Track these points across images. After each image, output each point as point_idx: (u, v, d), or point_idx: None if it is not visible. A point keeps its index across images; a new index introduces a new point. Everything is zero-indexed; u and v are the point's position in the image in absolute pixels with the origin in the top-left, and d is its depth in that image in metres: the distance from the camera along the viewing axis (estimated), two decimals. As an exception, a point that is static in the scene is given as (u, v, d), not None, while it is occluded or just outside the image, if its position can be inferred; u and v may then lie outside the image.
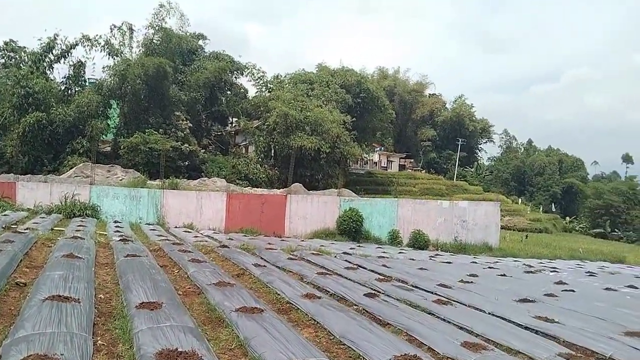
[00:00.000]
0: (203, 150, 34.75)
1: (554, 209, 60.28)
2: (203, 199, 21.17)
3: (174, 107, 34.18)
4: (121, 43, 35.33)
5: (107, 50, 34.42)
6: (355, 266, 10.86)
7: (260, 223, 20.88)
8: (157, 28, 36.19)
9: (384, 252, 16.55)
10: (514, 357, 5.32)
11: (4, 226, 12.84)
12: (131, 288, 6.62)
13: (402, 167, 67.59)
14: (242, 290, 7.10)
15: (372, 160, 62.10)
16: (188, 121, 34.36)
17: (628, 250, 32.00)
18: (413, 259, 14.59)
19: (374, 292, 7.94)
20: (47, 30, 48.63)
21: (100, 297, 6.44)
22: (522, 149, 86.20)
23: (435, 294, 8.46)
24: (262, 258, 10.86)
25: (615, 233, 52.28)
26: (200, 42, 42.43)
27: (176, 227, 19.64)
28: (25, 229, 12.30)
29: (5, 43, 35.77)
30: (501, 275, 12.06)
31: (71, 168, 26.82)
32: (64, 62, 34.55)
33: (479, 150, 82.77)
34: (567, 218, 58.69)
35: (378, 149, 62.76)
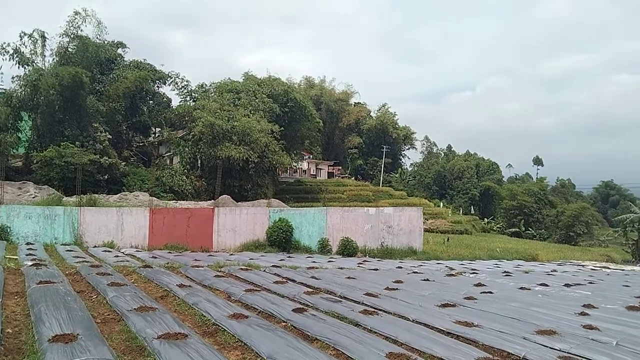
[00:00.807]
0: (124, 163, 33.29)
1: (472, 211, 63.46)
2: (124, 215, 20.24)
3: (92, 118, 32.52)
4: (32, 52, 33.19)
5: (17, 59, 32.21)
6: (284, 280, 10.83)
7: (187, 238, 20.29)
8: (72, 36, 34.31)
9: (313, 261, 16.65)
10: (436, 364, 5.52)
11: None
12: (43, 319, 6.20)
13: (330, 175, 68.50)
14: (166, 314, 6.86)
15: (301, 168, 62.42)
16: (107, 133, 32.83)
17: (540, 247, 34.29)
18: (342, 268, 14.78)
19: (302, 306, 7.96)
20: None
21: (8, 332, 5.96)
22: (443, 154, 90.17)
23: (363, 303, 8.63)
24: (187, 277, 10.56)
25: (529, 232, 55.91)
26: (120, 50, 40.79)
27: (95, 246, 18.63)
28: None
29: None
30: (425, 280, 12.51)
31: (-25, 186, 24.71)
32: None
33: (403, 157, 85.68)
34: (485, 219, 61.99)
35: (307, 157, 63.21)
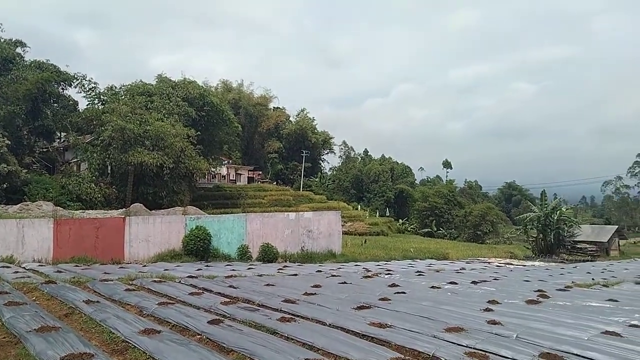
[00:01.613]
0: (25, 171, 30.92)
1: (388, 213, 65.74)
2: (25, 227, 18.75)
3: (-14, 122, 29.93)
4: None
5: None
6: (200, 290, 10.55)
7: (96, 250, 19.18)
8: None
9: (232, 270, 16.36)
10: (351, 368, 5.63)
11: None
12: None
13: (251, 180, 67.91)
14: (70, 333, 6.43)
15: (220, 174, 61.31)
16: (6, 138, 30.30)
17: (451, 246, 36.20)
18: (261, 275, 14.66)
19: (218, 317, 7.80)
20: None
21: None
22: (360, 158, 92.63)
23: (281, 310, 8.62)
24: (95, 292, 9.97)
25: (440, 231, 58.83)
26: (19, 49, 37.90)
27: (-9, 262, 17.06)
28: None
29: None
30: (342, 283, 12.74)
31: None
32: None
33: (322, 161, 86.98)
34: (401, 220, 64.45)
35: (226, 162, 62.22)
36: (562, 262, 33.91)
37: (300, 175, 71.52)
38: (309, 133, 77.44)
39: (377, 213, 62.43)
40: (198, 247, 20.50)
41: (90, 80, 38.19)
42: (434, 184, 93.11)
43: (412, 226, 62.65)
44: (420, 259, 25.38)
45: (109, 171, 34.68)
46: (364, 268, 18.34)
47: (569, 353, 6.36)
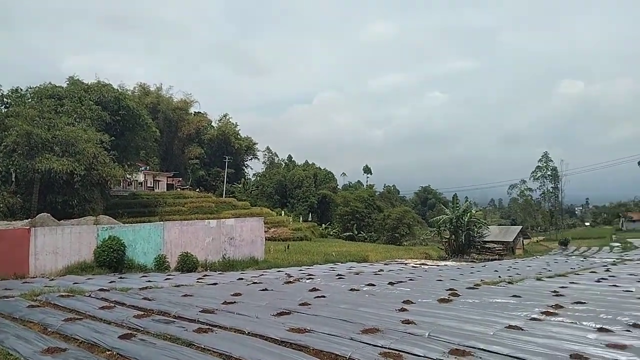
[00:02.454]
0: None
1: (311, 218, 66.36)
2: None
3: None
4: None
5: None
6: (112, 304, 10.05)
7: (-4, 264, 17.67)
8: None
9: (148, 281, 15.74)
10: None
11: None
12: None
13: (170, 187, 65.74)
14: (-40, 358, 5.88)
15: (137, 180, 58.77)
16: None
17: (370, 249, 37.17)
18: (179, 285, 14.23)
19: (131, 331, 7.47)
20: None
21: None
22: (284, 164, 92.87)
23: (198, 321, 8.42)
24: (-7, 310, 9.18)
25: (361, 235, 60.27)
26: None
27: None
28: None
29: None
30: (263, 290, 12.67)
31: None
32: None
33: (246, 167, 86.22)
34: (324, 225, 65.30)
35: (143, 168, 59.77)
36: (472, 261, 35.97)
37: (223, 181, 70.32)
38: (232, 139, 76.45)
39: (301, 218, 62.79)
40: (111, 259, 19.53)
41: (-10, 81, 35.24)
42: (355, 189, 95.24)
43: (334, 230, 63.65)
44: (342, 263, 25.85)
45: (13, 179, 32.10)
46: (286, 274, 18.36)
47: (476, 348, 6.75)
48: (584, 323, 8.58)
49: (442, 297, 11.58)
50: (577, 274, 19.82)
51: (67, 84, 40.99)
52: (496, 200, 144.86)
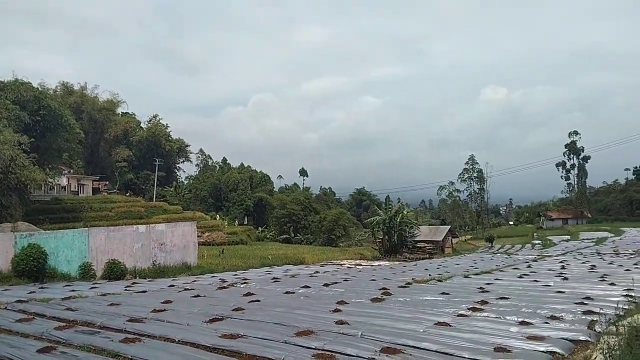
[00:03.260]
0: None
1: (247, 222, 65.62)
2: None
3: None
4: None
5: None
6: (31, 316, 9.41)
7: None
8: None
9: (72, 290, 14.88)
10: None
11: None
12: None
13: (96, 191, 62.62)
14: None
15: (59, 184, 55.50)
16: None
17: (307, 251, 37.27)
18: (105, 294, 13.57)
19: (51, 344, 7.02)
20: None
21: None
22: (218, 167, 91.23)
23: (125, 331, 8.06)
24: None
25: (298, 237, 60.33)
26: None
27: None
28: None
29: None
30: (195, 296, 12.35)
31: None
32: None
33: (178, 170, 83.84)
34: (260, 228, 64.78)
35: (66, 171, 56.59)
36: (404, 260, 37.01)
37: (153, 184, 67.91)
38: (162, 140, 74.07)
39: (237, 222, 61.93)
40: (31, 268, 18.27)
41: None
42: (291, 192, 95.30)
43: (271, 233, 63.29)
44: (278, 266, 25.73)
45: None
46: (220, 279, 18.01)
47: (406, 345, 6.92)
48: (507, 317, 9.04)
49: (375, 296, 11.81)
50: (502, 271, 20.89)
51: (-20, 81, 38.09)
52: (427, 201, 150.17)
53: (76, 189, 59.34)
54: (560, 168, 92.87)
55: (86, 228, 22.48)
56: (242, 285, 15.15)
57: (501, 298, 11.44)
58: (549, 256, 35.03)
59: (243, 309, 9.95)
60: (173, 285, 15.87)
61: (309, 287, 14.07)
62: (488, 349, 6.67)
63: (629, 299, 10.67)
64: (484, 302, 10.69)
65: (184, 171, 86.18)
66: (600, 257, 31.38)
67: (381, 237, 45.25)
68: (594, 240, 54.73)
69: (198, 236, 28.70)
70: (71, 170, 58.82)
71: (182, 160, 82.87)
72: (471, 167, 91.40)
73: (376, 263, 31.18)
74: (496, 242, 61.69)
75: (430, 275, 18.58)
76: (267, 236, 61.55)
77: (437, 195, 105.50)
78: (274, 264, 26.67)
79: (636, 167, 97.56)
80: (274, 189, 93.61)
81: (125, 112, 77.13)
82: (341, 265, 27.36)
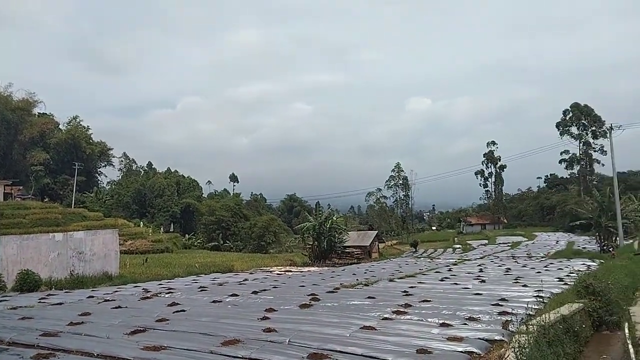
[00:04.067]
0: None
1: (173, 229, 63.58)
2: None
3: None
4: None
5: None
6: None
7: None
8: None
9: (-23, 304, 13.74)
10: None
11: None
12: None
13: (8, 196, 58.07)
14: None
15: (-36, 189, 51.07)
16: None
17: (236, 258, 36.72)
18: (16, 307, 12.64)
19: (-50, 365, 6.45)
20: None
21: None
22: (143, 171, 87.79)
23: (38, 346, 7.57)
24: None
25: (227, 244, 59.30)
26: None
27: None
28: None
29: None
30: (116, 307, 11.82)
31: None
32: None
33: (99, 174, 79.91)
34: (187, 235, 62.96)
35: (-28, 175, 52.25)
36: (333, 265, 37.50)
37: (72, 190, 64.12)
38: (82, 143, 70.30)
39: (162, 229, 59.82)
40: None
41: None
42: (221, 198, 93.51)
43: (199, 241, 61.73)
44: (205, 274, 25.17)
45: None
46: (143, 289, 17.34)
47: (333, 350, 7.04)
48: (429, 319, 9.43)
49: (303, 302, 11.88)
50: (425, 274, 21.74)
51: None
52: (356, 207, 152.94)
53: (-16, 195, 54.83)
54: (479, 176, 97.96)
55: (-5, 237, 20.82)
56: (166, 295, 14.68)
57: (424, 301, 11.90)
58: (469, 260, 36.86)
59: (167, 320, 9.66)
60: (93, 297, 15.08)
61: (237, 295, 13.89)
62: (411, 351, 6.92)
63: (539, 299, 11.47)
64: (407, 305, 11.08)
65: (105, 176, 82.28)
66: (514, 260, 33.46)
67: (311, 243, 45.52)
68: (509, 244, 58.19)
69: (120, 244, 27.50)
70: (-22, 174, 54.42)
71: (103, 165, 79.15)
72: (397, 174, 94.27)
73: (306, 269, 31.33)
74: (420, 246, 63.89)
75: (357, 280, 18.96)
76: (195, 244, 59.96)
77: (365, 202, 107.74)
78: (201, 272, 26.06)
79: (547, 175, 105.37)
80: (203, 195, 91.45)
81: (43, 113, 72.54)
82: (271, 272, 27.25)
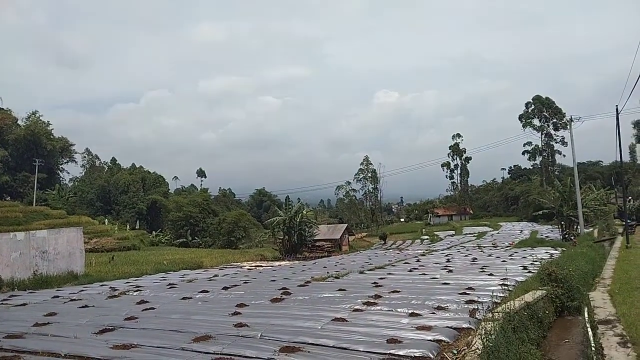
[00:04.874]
0: None
1: (138, 226, 62.42)
2: None
3: None
4: None
5: None
6: None
7: None
8: None
9: None
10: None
11: None
12: None
13: (-37, 195, 56.01)
14: None
15: None
16: None
17: (205, 254, 36.35)
18: (-25, 310, 12.22)
19: None
20: None
21: None
22: (107, 168, 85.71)
23: (2, 349, 7.36)
24: None
25: (195, 240, 58.66)
26: None
27: None
28: None
29: None
30: (83, 306, 11.56)
31: None
32: None
33: (61, 171, 77.69)
34: (154, 232, 61.91)
35: None
36: (304, 259, 37.59)
37: (33, 187, 62.08)
38: (43, 139, 68.14)
39: (128, 226, 58.66)
40: None
41: None
42: (189, 193, 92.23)
43: (166, 237, 60.80)
44: (174, 271, 24.84)
45: None
46: (110, 287, 17.01)
47: (305, 343, 7.09)
48: (399, 310, 9.59)
49: (275, 297, 11.89)
50: (394, 266, 22.04)
51: None
52: (325, 200, 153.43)
53: (-62, 194, 52.61)
54: (445, 168, 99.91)
55: (-49, 237, 20.02)
56: (135, 293, 14.45)
57: (393, 292, 12.08)
58: (436, 250, 37.57)
59: (136, 318, 9.52)
60: (58, 296, 14.70)
61: (207, 291, 13.78)
62: (381, 341, 7.04)
63: (504, 287, 11.80)
64: (377, 297, 11.23)
65: (68, 172, 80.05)
66: (480, 250, 34.28)
67: (281, 237, 45.45)
68: (475, 234, 59.55)
69: (85, 242, 26.86)
70: None
71: (66, 161, 76.95)
72: (366, 167, 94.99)
73: (277, 263, 31.31)
74: (389, 238, 64.65)
75: (328, 272, 19.07)
76: (162, 240, 59.02)
77: (335, 195, 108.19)
78: (170, 269, 25.69)
79: (511, 167, 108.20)
80: (170, 191, 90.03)
81: (0, 108, 69.86)
82: (241, 267, 27.11)
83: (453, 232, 67.96)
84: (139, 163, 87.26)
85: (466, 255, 27.56)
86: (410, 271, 18.78)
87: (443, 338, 7.24)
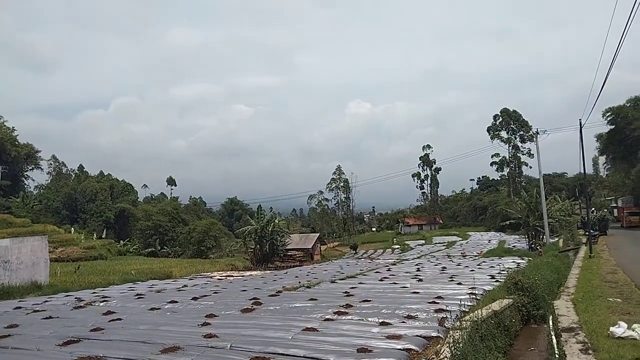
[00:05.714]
0: None
1: (105, 235, 60.99)
2: None
3: None
4: None
5: None
6: None
7: None
8: None
9: None
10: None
11: None
12: None
13: None
14: None
15: None
16: None
17: (175, 264, 35.78)
18: None
19: None
20: None
21: None
22: (74, 175, 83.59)
23: (-42, 364, 7.08)
24: None
25: (164, 250, 57.64)
26: None
27: None
28: None
29: None
30: (47, 318, 11.22)
31: None
32: None
33: (26, 178, 75.32)
34: (122, 241, 60.56)
35: None
36: (276, 269, 37.37)
37: (-5, 195, 60.11)
38: (7, 145, 66.05)
39: (95, 235, 57.24)
40: None
41: None
42: (158, 202, 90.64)
43: (134, 247, 59.56)
44: (142, 281, 24.36)
45: None
46: (76, 298, 16.56)
47: (275, 353, 7.06)
48: (369, 319, 9.64)
49: (245, 307, 11.80)
50: (365, 275, 22.14)
51: None
52: (298, 209, 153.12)
53: None
54: (415, 178, 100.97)
55: None
56: (101, 304, 14.10)
57: (364, 301, 12.14)
58: (407, 260, 37.89)
59: (103, 329, 9.30)
60: (20, 307, 14.22)
61: (176, 301, 13.57)
62: (352, 350, 7.06)
63: (473, 296, 12.01)
64: (348, 306, 11.26)
65: (33, 180, 77.64)
66: (450, 259, 34.74)
67: (253, 246, 45.11)
68: (445, 244, 60.32)
69: (50, 252, 26.12)
70: None
71: (30, 168, 74.67)
72: (338, 177, 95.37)
73: (248, 273, 31.04)
74: (360, 247, 64.86)
75: (300, 282, 19.01)
76: (131, 250, 57.79)
77: (307, 204, 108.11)
78: (138, 279, 25.18)
79: (479, 177, 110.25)
80: (139, 199, 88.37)
81: (-40, 112, 67.57)
82: (212, 277, 26.77)
83: (423, 241, 68.67)
84: (107, 170, 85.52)
85: (436, 265, 27.90)
86: (381, 280, 18.90)
87: (413, 347, 7.31)
